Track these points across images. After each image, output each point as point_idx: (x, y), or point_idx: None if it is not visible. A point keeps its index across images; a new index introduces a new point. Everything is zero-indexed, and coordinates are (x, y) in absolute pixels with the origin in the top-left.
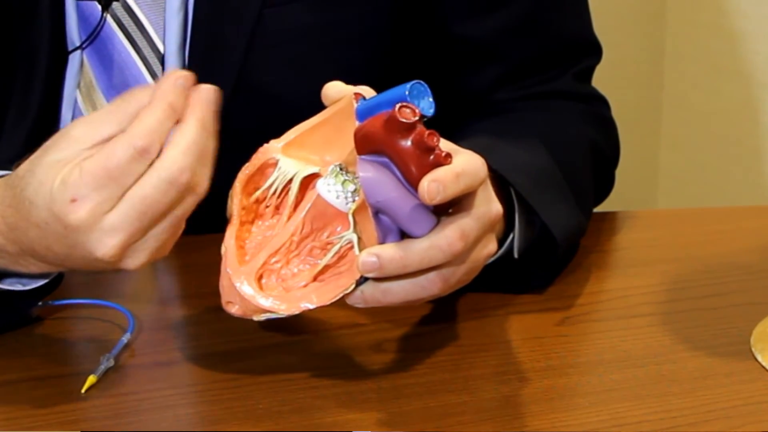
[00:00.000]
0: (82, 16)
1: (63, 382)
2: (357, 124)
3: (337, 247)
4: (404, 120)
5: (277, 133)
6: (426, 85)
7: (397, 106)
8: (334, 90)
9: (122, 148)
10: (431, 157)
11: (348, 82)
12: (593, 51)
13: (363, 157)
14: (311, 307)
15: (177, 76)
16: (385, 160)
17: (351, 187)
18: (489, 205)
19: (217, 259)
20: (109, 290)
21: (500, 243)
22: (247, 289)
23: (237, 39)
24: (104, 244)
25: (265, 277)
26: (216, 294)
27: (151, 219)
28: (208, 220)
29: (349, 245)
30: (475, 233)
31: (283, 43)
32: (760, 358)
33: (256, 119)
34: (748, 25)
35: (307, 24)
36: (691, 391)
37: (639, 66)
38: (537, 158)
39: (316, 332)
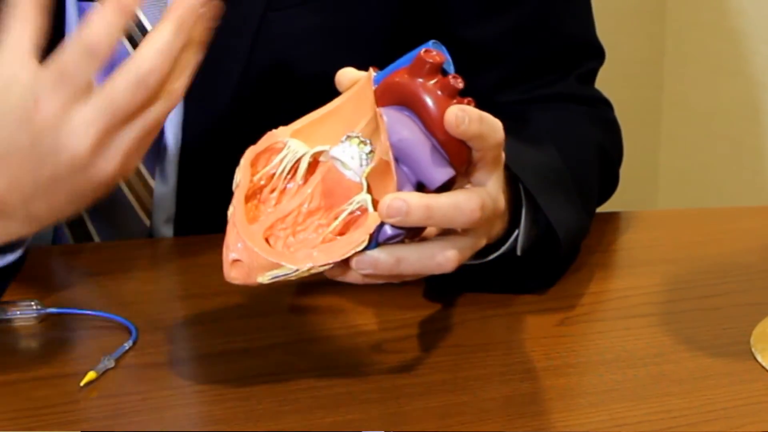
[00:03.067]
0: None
1: (63, 382)
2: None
3: (348, 211)
4: (431, 60)
5: None
6: (443, 46)
7: (423, 49)
8: (347, 77)
9: (71, 46)
10: (454, 102)
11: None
12: (596, 54)
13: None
14: (322, 262)
15: None
16: (408, 112)
17: (366, 148)
18: (500, 194)
19: (218, 260)
20: (110, 292)
21: (504, 240)
22: (256, 242)
23: (240, 43)
24: (78, 139)
25: (271, 241)
26: (217, 294)
27: (122, 119)
28: (209, 218)
29: (359, 208)
30: (488, 212)
31: (287, 47)
32: (760, 358)
33: (260, 123)
34: (748, 25)
35: (311, 27)
36: (691, 391)
37: (639, 66)
38: (547, 158)
39: (316, 332)
